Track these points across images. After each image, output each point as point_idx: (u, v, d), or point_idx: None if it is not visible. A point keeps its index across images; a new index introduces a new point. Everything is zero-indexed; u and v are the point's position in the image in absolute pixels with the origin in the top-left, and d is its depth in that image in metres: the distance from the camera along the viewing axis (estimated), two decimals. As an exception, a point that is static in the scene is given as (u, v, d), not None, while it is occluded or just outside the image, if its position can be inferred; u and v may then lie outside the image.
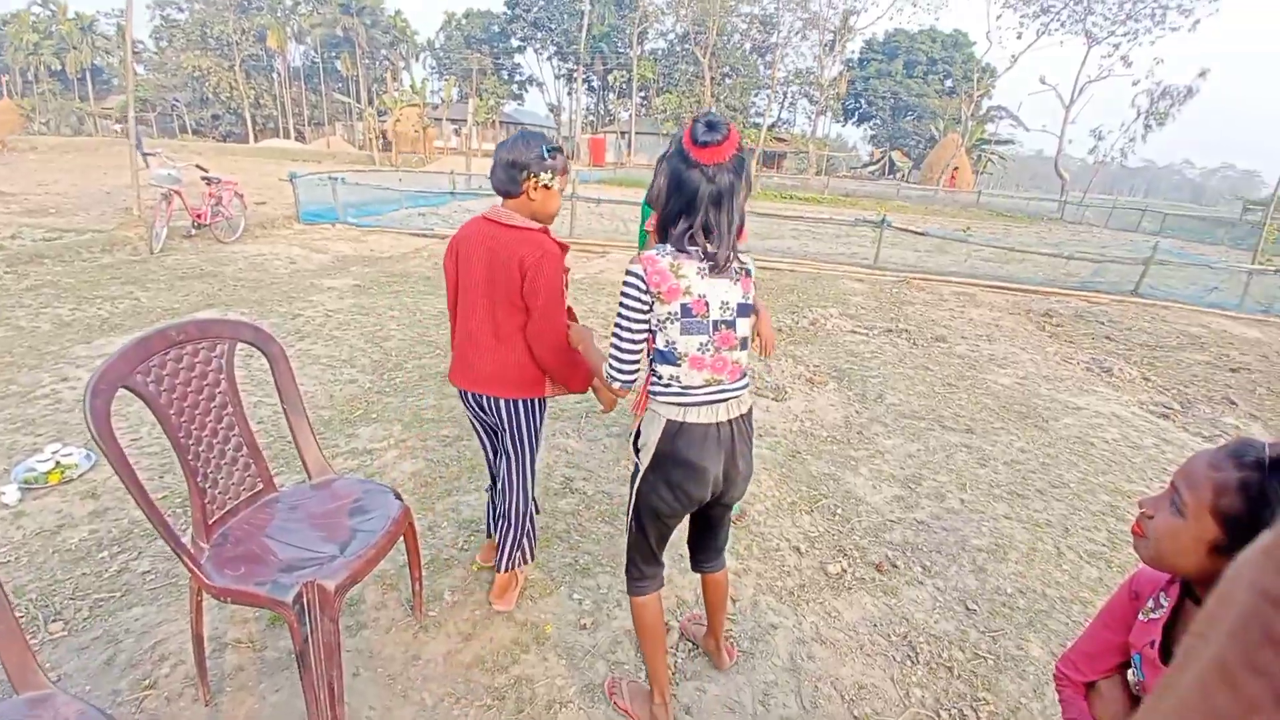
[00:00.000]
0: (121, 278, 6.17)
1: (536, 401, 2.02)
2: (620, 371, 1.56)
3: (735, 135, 1.46)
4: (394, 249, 8.86)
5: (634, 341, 1.54)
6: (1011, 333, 6.78)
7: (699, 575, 1.94)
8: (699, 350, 1.51)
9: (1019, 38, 36.55)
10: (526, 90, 62.12)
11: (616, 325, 1.53)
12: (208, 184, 8.14)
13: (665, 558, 1.79)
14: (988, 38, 36.01)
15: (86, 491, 2.76)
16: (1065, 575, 2.70)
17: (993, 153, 44.10)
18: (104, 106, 51.01)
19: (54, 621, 2.04)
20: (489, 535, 2.40)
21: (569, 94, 58.02)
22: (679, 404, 1.54)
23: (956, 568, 2.69)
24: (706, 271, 1.49)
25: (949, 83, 51.60)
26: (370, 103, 40.77)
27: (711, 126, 1.44)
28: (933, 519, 3.05)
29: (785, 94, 55.28)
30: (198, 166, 8.48)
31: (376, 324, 5.33)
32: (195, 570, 1.56)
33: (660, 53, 53.17)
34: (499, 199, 1.93)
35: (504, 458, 2.07)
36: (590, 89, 58.80)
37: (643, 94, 51.83)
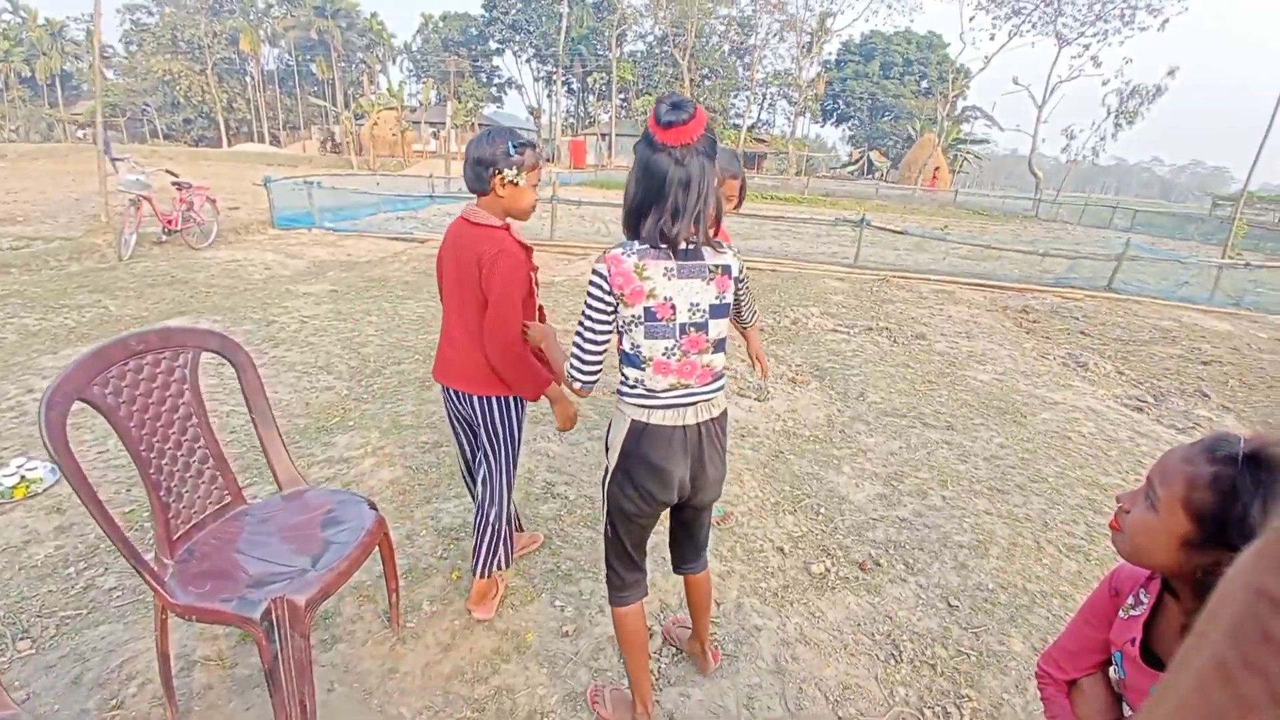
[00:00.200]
0: (90, 286, 6.01)
1: (513, 400, 2.00)
2: (580, 371, 1.52)
3: (702, 115, 1.40)
4: (372, 253, 8.75)
5: (596, 342, 1.50)
6: (990, 329, 6.86)
7: (682, 578, 1.92)
8: (664, 355, 1.47)
9: (992, 39, 37.16)
10: (506, 93, 61.91)
11: (579, 324, 1.50)
12: (178, 189, 7.97)
13: (647, 561, 1.76)
14: (961, 39, 36.66)
15: (52, 506, 2.68)
16: (1045, 569, 2.72)
17: (968, 152, 44.77)
18: (74, 113, 49.95)
19: (22, 639, 1.98)
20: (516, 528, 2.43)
21: (549, 96, 57.89)
22: (644, 406, 1.51)
23: (939, 564, 2.69)
24: (675, 273, 1.43)
25: (925, 83, 52.31)
26: (347, 106, 40.31)
27: (676, 106, 1.38)
28: (915, 516, 3.05)
29: (764, 95, 55.73)
30: (167, 171, 8.30)
31: (354, 329, 5.25)
32: (158, 588, 1.50)
33: (639, 55, 53.32)
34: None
35: (483, 457, 2.07)
36: (570, 91, 58.73)
37: (622, 96, 51.89)
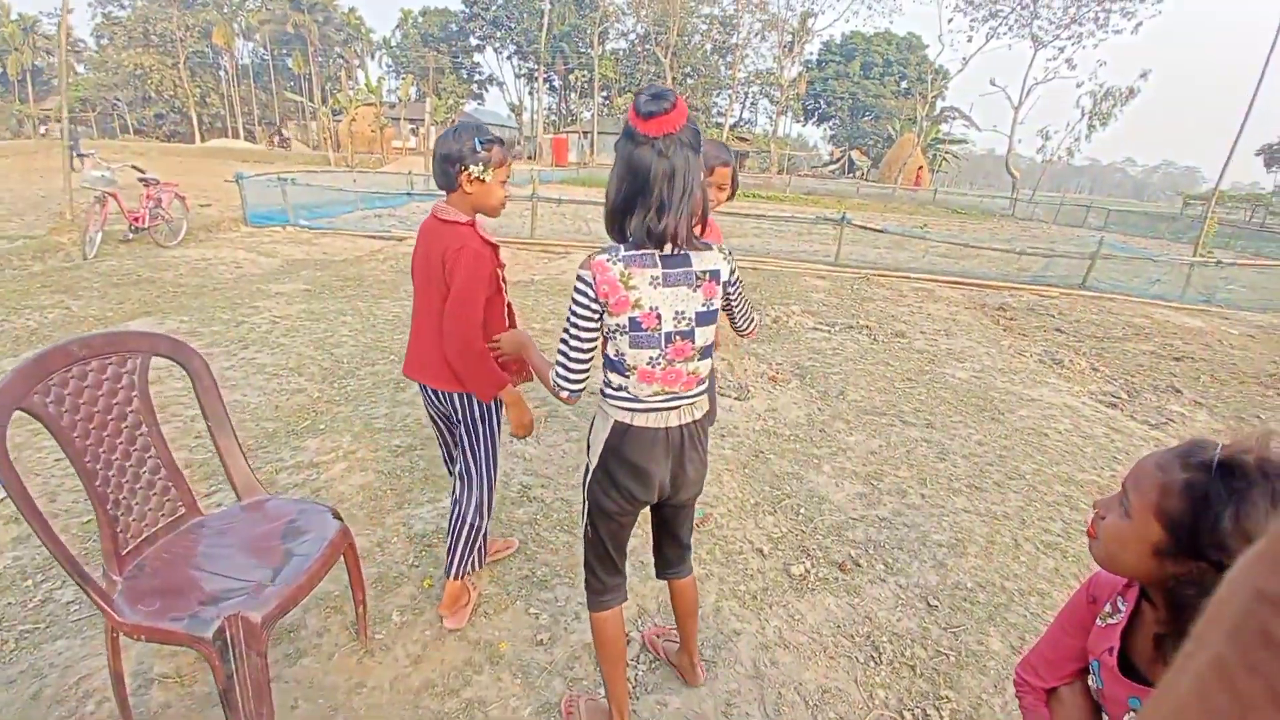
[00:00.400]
0: (52, 286, 5.82)
1: None
2: (567, 380, 1.48)
3: (683, 106, 1.36)
4: (348, 251, 8.60)
5: (582, 350, 1.46)
6: (968, 327, 6.91)
7: (664, 583, 1.88)
8: (648, 364, 1.44)
9: (969, 40, 37.81)
10: (487, 90, 61.43)
11: (565, 332, 1.46)
12: (145, 185, 7.75)
13: (626, 565, 1.72)
14: (940, 40, 37.11)
15: (10, 516, 2.57)
16: (1023, 567, 2.72)
17: (947, 152, 45.24)
18: (43, 108, 48.64)
19: (-21, 653, 1.90)
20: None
21: (530, 93, 57.55)
22: (628, 409, 1.49)
23: (918, 564, 2.68)
24: (661, 281, 1.39)
25: (904, 84, 52.84)
26: (324, 102, 39.69)
27: (657, 96, 1.33)
28: (894, 515, 3.05)
29: (746, 94, 55.91)
30: (134, 167, 8.08)
31: (327, 330, 5.13)
32: (105, 606, 1.43)
33: (622, 53, 53.20)
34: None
35: (460, 453, 2.06)
36: (552, 89, 58.42)
37: (605, 94, 51.71)
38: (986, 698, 2.03)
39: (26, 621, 2.06)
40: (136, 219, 7.57)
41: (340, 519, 1.78)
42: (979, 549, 2.82)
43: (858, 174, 47.17)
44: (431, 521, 2.69)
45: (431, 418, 2.17)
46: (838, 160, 51.67)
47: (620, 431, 1.50)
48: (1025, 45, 37.47)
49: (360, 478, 3.02)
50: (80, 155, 7.74)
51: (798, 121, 60.13)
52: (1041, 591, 2.57)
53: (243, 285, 6.40)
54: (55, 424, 1.44)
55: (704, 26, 48.88)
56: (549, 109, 59.32)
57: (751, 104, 59.31)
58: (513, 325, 2.10)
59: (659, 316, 1.41)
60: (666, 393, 1.47)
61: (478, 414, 1.99)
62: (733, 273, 1.55)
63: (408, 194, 13.61)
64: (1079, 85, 36.11)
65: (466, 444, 2.02)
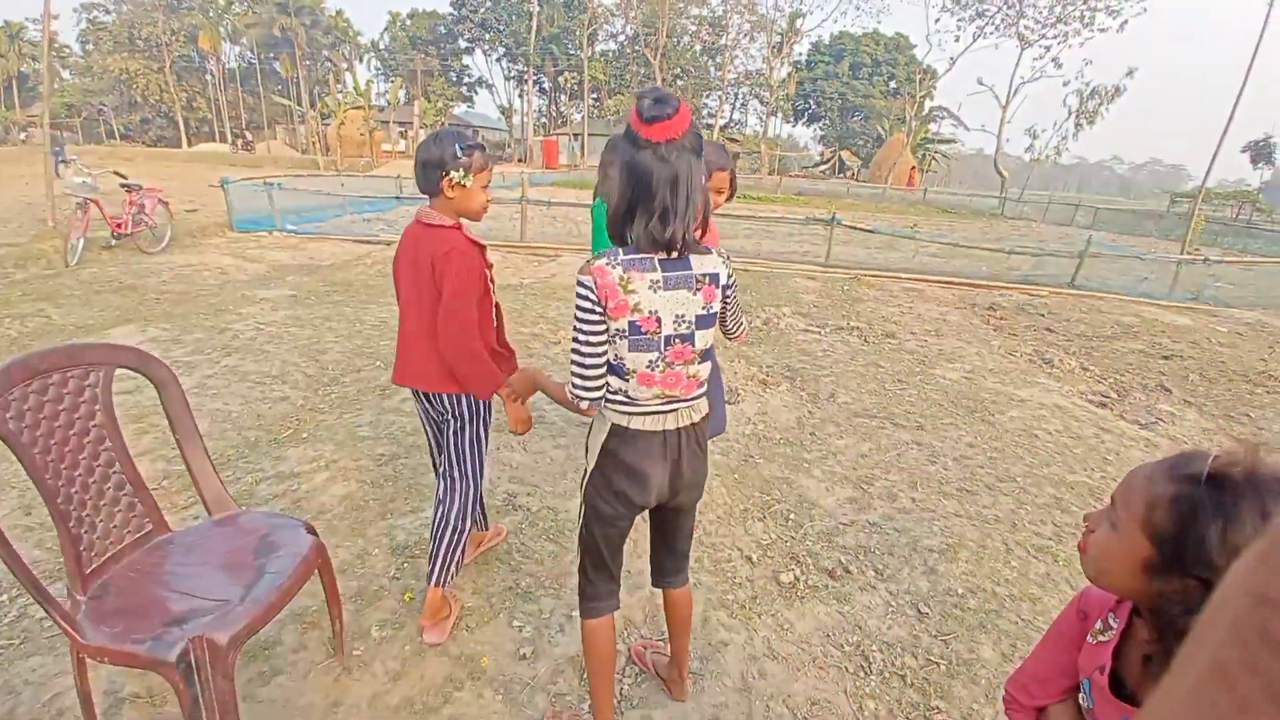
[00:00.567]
0: (33, 294, 5.73)
1: None
2: (584, 389, 1.44)
3: (687, 110, 1.33)
4: (335, 256, 8.52)
5: (595, 354, 1.42)
6: (959, 327, 6.91)
7: (652, 594, 1.84)
8: (648, 368, 1.42)
9: (957, 40, 38.11)
10: (476, 92, 61.26)
11: (574, 340, 1.42)
12: (127, 191, 7.66)
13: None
14: (928, 40, 37.34)
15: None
16: (1014, 572, 2.70)
17: (936, 151, 45.48)
18: (29, 114, 48.14)
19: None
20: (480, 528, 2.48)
21: (520, 96, 57.42)
22: (626, 412, 1.47)
23: (909, 570, 2.65)
24: (660, 285, 1.37)
25: (893, 84, 53.08)
26: (312, 105, 39.46)
27: (660, 100, 1.31)
28: (885, 520, 3.02)
29: (736, 95, 56.00)
30: (116, 173, 7.98)
31: (313, 336, 5.07)
32: (67, 627, 1.38)
33: (611, 54, 53.20)
34: None
35: (447, 454, 2.06)
36: (541, 91, 58.34)
37: (595, 96, 51.72)
38: (978, 708, 2.00)
39: (1, 638, 2.01)
40: (119, 225, 7.48)
41: (315, 534, 1.73)
42: (970, 554, 2.80)
43: (848, 174, 47.32)
44: (414, 532, 2.64)
45: (423, 422, 2.18)
46: (828, 160, 51.80)
47: (618, 434, 1.49)
48: (1012, 44, 37.80)
49: (342, 487, 2.96)
50: (61, 161, 7.62)
51: (788, 122, 60.34)
52: (1033, 597, 2.54)
53: (227, 291, 6.32)
54: (15, 440, 1.38)
55: (693, 27, 48.98)
56: (539, 111, 59.27)
57: (741, 105, 59.48)
58: (501, 326, 2.12)
59: (659, 320, 1.40)
60: (665, 396, 1.46)
61: (469, 413, 2.01)
62: (730, 276, 1.54)
63: (396, 198, 13.52)
64: (1065, 84, 36.45)
65: (454, 444, 2.03)
